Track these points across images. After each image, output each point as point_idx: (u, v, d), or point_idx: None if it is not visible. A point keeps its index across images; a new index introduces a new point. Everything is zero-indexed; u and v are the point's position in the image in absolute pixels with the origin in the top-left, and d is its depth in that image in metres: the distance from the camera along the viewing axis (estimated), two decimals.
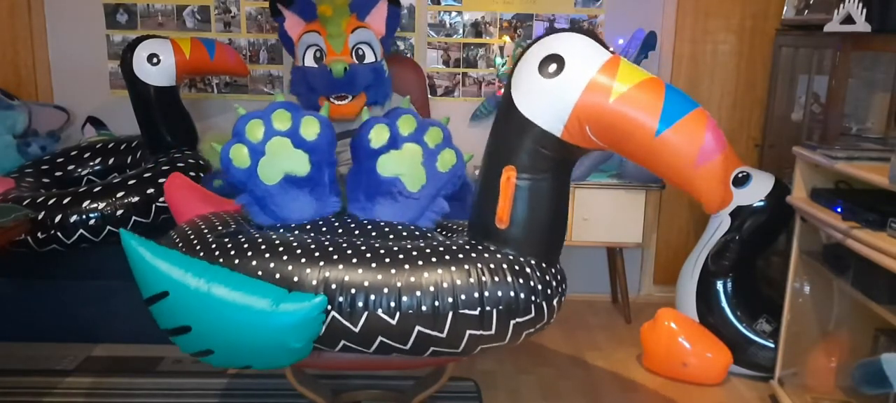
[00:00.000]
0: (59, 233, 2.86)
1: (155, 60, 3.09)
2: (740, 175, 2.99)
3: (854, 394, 2.41)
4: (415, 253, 1.99)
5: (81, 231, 2.88)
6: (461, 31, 3.61)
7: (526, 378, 2.95)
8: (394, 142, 2.19)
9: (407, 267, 1.94)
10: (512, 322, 1.97)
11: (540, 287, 1.99)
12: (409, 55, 3.62)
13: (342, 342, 1.96)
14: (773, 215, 2.91)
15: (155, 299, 1.92)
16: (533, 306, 1.98)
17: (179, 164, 3.09)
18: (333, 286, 1.91)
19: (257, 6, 3.60)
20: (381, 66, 2.94)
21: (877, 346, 2.35)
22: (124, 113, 3.37)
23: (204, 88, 3.71)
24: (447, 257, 1.98)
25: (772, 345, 2.84)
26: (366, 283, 1.91)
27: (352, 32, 2.90)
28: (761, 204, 2.92)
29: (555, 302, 2.06)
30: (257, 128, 2.15)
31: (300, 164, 2.16)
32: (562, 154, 1.94)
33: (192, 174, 3.08)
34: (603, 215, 3.33)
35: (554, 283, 2.05)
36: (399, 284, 1.91)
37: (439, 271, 1.94)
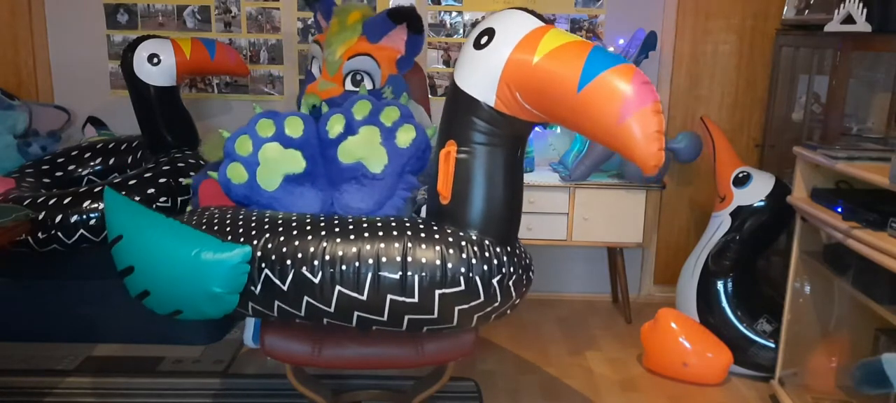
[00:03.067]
0: (59, 233, 2.86)
1: (155, 60, 3.09)
2: (741, 175, 2.99)
3: (854, 394, 2.41)
4: (350, 222, 2.06)
5: (82, 231, 2.88)
6: (461, 31, 3.61)
7: (526, 379, 2.95)
8: (350, 129, 2.22)
9: (337, 230, 2.01)
10: (437, 292, 1.95)
11: (474, 262, 1.96)
12: None
13: (276, 302, 2.02)
14: (773, 215, 2.91)
15: (114, 242, 2.07)
16: (462, 279, 1.95)
17: (180, 165, 3.09)
18: (269, 246, 2.00)
19: (258, 6, 3.60)
20: (378, 94, 2.68)
21: (877, 346, 2.35)
22: (124, 113, 3.38)
23: (204, 88, 3.72)
24: (379, 224, 2.03)
25: (772, 345, 2.84)
26: (296, 244, 1.99)
27: (349, 59, 2.65)
28: (762, 204, 2.92)
29: (494, 282, 1.98)
30: (246, 142, 2.21)
31: (295, 163, 2.19)
32: (502, 127, 1.95)
33: (192, 174, 3.08)
34: (603, 215, 3.32)
35: (496, 262, 1.99)
36: (324, 245, 1.97)
37: (366, 236, 1.99)
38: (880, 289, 2.15)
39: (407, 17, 2.63)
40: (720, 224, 3.01)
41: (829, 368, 2.57)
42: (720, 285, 2.98)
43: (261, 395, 2.75)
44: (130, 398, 2.71)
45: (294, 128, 2.23)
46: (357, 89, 2.61)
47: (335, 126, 2.24)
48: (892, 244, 1.97)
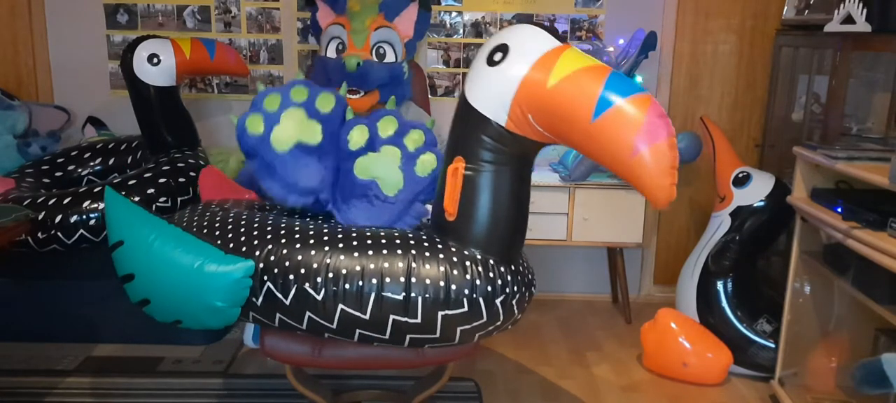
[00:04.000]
0: (59, 233, 2.86)
1: (155, 60, 3.09)
2: (741, 175, 2.99)
3: (854, 394, 2.41)
4: (354, 235, 2.03)
5: (82, 231, 2.88)
6: (461, 31, 3.61)
7: (526, 378, 2.95)
8: (372, 144, 2.19)
9: (341, 244, 1.99)
10: (440, 313, 1.93)
11: (478, 282, 1.94)
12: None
13: (278, 315, 2.01)
14: (773, 215, 2.91)
15: (115, 247, 2.07)
16: (466, 300, 1.93)
17: (180, 165, 3.09)
18: (272, 258, 1.98)
19: (257, 6, 3.60)
20: (400, 67, 2.97)
21: (877, 346, 2.35)
22: (124, 113, 3.38)
23: (204, 88, 3.72)
24: (383, 241, 2.00)
25: (772, 345, 2.84)
26: (299, 258, 1.97)
27: (375, 30, 2.92)
28: (762, 204, 2.92)
29: (498, 302, 1.97)
30: (275, 100, 2.19)
31: (312, 134, 2.17)
32: (512, 146, 1.91)
33: (192, 174, 3.08)
34: (603, 215, 3.32)
35: (500, 282, 1.97)
36: (327, 261, 1.95)
37: (370, 253, 1.97)
38: (880, 289, 2.15)
39: None
40: (720, 224, 3.01)
41: (829, 368, 2.57)
42: (720, 285, 2.98)
43: (261, 395, 2.75)
44: (130, 398, 2.71)
45: (325, 103, 2.19)
46: (379, 60, 2.91)
47: (358, 138, 2.19)
48: (892, 244, 1.97)
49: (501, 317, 2.01)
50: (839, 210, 2.26)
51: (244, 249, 2.01)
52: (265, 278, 1.98)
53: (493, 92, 1.86)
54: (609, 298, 3.85)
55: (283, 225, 2.10)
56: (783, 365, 2.71)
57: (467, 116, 1.94)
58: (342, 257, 1.96)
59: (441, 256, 1.96)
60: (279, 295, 1.97)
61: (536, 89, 1.76)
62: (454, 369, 2.38)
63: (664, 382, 2.95)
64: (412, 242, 2.00)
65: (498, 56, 1.85)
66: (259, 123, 2.16)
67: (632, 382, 2.96)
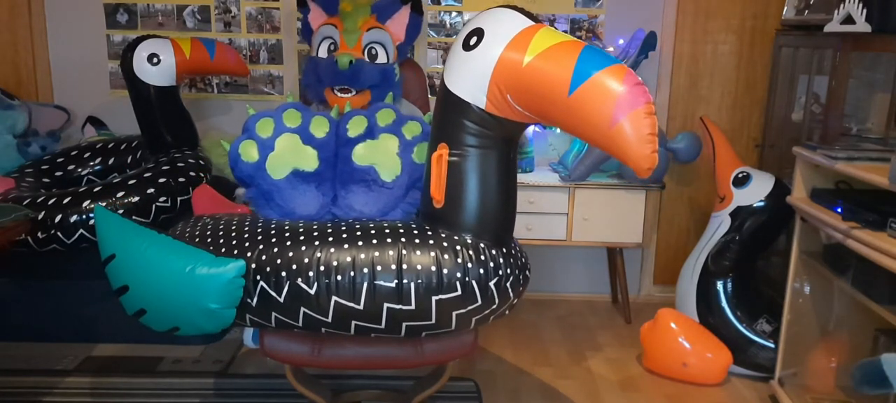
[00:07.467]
0: (59, 233, 2.86)
1: (155, 60, 3.09)
2: (740, 175, 2.99)
3: (854, 394, 2.41)
4: (343, 228, 2.05)
5: (81, 231, 2.87)
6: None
7: (526, 379, 2.95)
8: (370, 132, 2.21)
9: (331, 238, 2.00)
10: (434, 299, 1.94)
11: (470, 266, 1.95)
12: (409, 55, 3.61)
13: (274, 314, 2.02)
14: (773, 215, 2.91)
15: (107, 261, 2.07)
16: (459, 284, 1.94)
17: (179, 164, 3.09)
18: (263, 257, 1.99)
19: (257, 6, 3.60)
20: (392, 69, 2.96)
21: (877, 346, 2.35)
22: (124, 113, 3.38)
23: (204, 88, 3.72)
24: (373, 232, 2.02)
25: (772, 345, 2.84)
26: (290, 255, 1.98)
27: (367, 31, 2.92)
28: (761, 204, 2.92)
29: (491, 285, 1.98)
30: (268, 125, 2.20)
31: (309, 161, 2.18)
32: (494, 129, 1.93)
33: (192, 174, 3.08)
34: (603, 215, 3.33)
35: (492, 265, 1.98)
36: (318, 255, 1.96)
37: (360, 244, 1.98)
38: (880, 289, 2.15)
39: None
40: (720, 224, 3.01)
41: (828, 368, 2.57)
42: (720, 285, 2.98)
43: (261, 395, 2.75)
44: (130, 398, 2.71)
45: (319, 127, 2.21)
46: (370, 61, 2.90)
47: (357, 126, 2.22)
48: (892, 244, 1.97)
49: (497, 300, 2.01)
50: (839, 210, 2.26)
51: (235, 252, 2.02)
52: (258, 278, 1.98)
53: (470, 75, 1.87)
54: (609, 298, 3.85)
55: (272, 225, 2.11)
56: (783, 365, 2.71)
57: (448, 102, 1.95)
58: (332, 250, 1.97)
59: (431, 242, 1.97)
60: (273, 294, 1.98)
61: (513, 68, 1.78)
62: (454, 369, 2.39)
63: (664, 382, 2.95)
64: (401, 231, 2.02)
65: (473, 40, 1.87)
66: (253, 151, 2.18)
67: (631, 382, 2.96)
